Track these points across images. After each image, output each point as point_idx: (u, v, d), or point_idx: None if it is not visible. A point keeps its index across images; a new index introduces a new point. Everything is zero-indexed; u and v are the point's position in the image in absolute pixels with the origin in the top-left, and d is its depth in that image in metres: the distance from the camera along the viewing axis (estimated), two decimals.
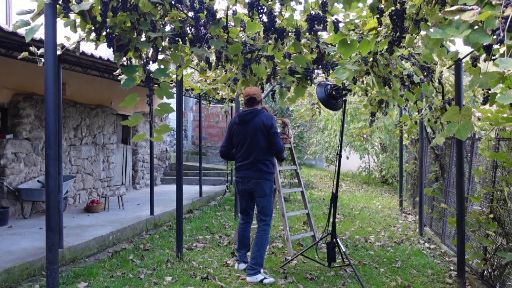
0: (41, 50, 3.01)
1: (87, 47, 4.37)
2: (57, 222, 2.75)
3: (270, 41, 3.29)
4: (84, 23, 2.86)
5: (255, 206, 4.38)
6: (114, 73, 4.06)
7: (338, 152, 4.42)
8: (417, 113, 5.39)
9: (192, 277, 4.15)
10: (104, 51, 5.85)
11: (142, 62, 3.26)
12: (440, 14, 2.03)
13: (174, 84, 4.97)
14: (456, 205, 4.04)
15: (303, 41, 3.38)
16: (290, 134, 5.69)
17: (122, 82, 3.01)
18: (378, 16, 2.74)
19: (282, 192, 5.36)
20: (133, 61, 3.33)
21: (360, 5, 2.90)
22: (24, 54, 3.32)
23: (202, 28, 3.07)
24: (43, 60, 2.69)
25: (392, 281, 4.15)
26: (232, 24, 3.17)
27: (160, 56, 3.31)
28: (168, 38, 3.13)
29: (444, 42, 2.93)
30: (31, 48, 3.25)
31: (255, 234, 4.28)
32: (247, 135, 4.20)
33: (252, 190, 4.25)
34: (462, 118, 1.97)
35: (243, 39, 3.34)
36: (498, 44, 1.58)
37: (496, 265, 3.72)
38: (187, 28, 3.14)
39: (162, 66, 3.24)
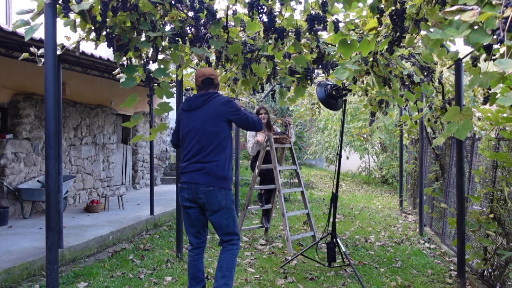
0: (41, 51, 3.02)
1: (87, 47, 4.37)
2: (57, 222, 2.74)
3: (270, 41, 3.29)
4: (84, 23, 2.86)
5: (209, 226, 3.31)
6: (113, 72, 4.07)
7: (338, 152, 4.42)
8: (417, 113, 5.39)
9: None
10: (104, 51, 5.86)
11: (142, 62, 3.27)
12: (440, 14, 2.02)
13: (174, 83, 4.97)
14: (456, 205, 4.04)
15: (303, 41, 3.38)
16: (291, 134, 5.70)
17: (121, 81, 3.02)
18: (378, 16, 2.74)
19: (282, 192, 5.36)
20: (133, 61, 3.33)
21: (360, 5, 2.90)
22: (25, 55, 3.32)
23: (202, 28, 3.07)
24: (43, 60, 2.70)
25: (392, 281, 4.15)
26: (232, 24, 3.17)
27: (160, 56, 3.31)
28: (168, 38, 3.13)
29: (444, 42, 2.93)
30: (32, 49, 3.25)
31: (220, 256, 3.21)
32: (198, 125, 3.15)
33: (202, 202, 3.13)
34: (463, 118, 1.97)
35: (243, 39, 3.34)
36: (498, 44, 1.58)
37: (496, 265, 3.72)
38: (187, 28, 3.15)
39: (162, 66, 3.24)
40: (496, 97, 2.47)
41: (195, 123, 3.17)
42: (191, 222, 3.27)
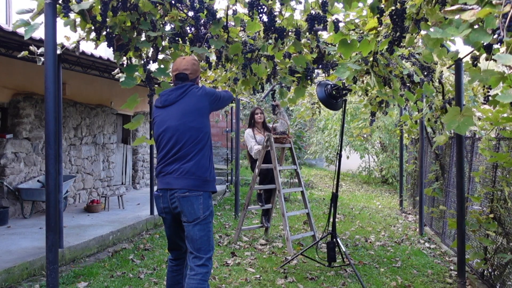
0: (41, 49, 3.01)
1: (87, 47, 4.37)
2: (57, 222, 2.74)
3: (270, 41, 3.29)
4: (84, 22, 2.86)
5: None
6: (112, 72, 4.06)
7: (338, 152, 4.42)
8: (417, 112, 5.39)
9: None
10: (104, 51, 5.85)
11: (142, 62, 3.27)
12: (440, 14, 2.02)
13: None
14: (456, 205, 4.04)
15: (303, 40, 3.38)
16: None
17: (121, 80, 3.02)
18: (378, 15, 2.74)
19: (282, 192, 5.36)
20: (133, 60, 3.33)
21: (360, 5, 2.90)
22: (24, 53, 3.32)
23: (202, 27, 3.07)
24: (42, 59, 2.69)
25: (392, 281, 4.15)
26: (232, 23, 3.17)
27: (160, 56, 3.31)
28: (168, 38, 3.13)
29: (444, 41, 2.93)
30: (31, 48, 3.25)
31: (186, 282, 2.79)
32: (176, 121, 2.78)
33: (178, 211, 2.77)
34: (463, 118, 1.97)
35: (243, 39, 3.34)
36: (498, 44, 1.58)
37: (497, 265, 3.72)
38: (187, 28, 3.15)
39: (162, 66, 3.24)
40: (496, 96, 2.47)
41: (173, 119, 2.79)
42: (169, 234, 2.95)
